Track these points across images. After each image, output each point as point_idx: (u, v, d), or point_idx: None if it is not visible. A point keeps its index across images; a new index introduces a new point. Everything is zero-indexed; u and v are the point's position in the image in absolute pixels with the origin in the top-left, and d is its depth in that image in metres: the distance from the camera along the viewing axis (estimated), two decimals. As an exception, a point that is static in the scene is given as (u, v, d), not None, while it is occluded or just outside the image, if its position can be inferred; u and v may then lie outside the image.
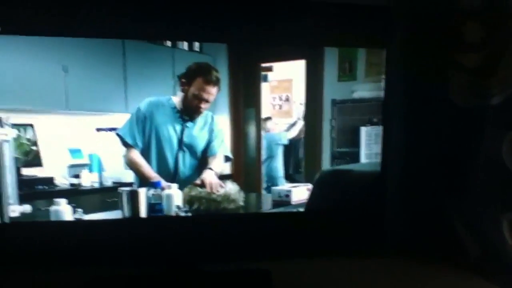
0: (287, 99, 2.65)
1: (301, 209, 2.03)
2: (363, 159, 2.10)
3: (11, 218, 1.69)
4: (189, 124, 2.08)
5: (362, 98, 2.10)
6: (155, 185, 1.90)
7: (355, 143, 2.11)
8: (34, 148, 1.96)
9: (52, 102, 2.03)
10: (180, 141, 2.07)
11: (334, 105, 2.21)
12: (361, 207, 2.00)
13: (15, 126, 1.68)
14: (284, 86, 2.63)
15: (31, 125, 1.93)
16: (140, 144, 2.02)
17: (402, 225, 2.27)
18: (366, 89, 2.09)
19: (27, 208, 1.72)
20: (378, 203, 1.98)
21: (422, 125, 2.26)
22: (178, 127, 2.06)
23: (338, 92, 2.22)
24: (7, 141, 1.65)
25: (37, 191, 1.92)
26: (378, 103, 1.98)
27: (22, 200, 1.72)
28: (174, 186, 1.93)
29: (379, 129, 1.99)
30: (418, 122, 2.28)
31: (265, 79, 2.56)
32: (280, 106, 2.67)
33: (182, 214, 1.91)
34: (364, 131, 2.09)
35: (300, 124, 2.57)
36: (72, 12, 1.62)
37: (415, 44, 2.23)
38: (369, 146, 2.08)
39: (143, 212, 1.87)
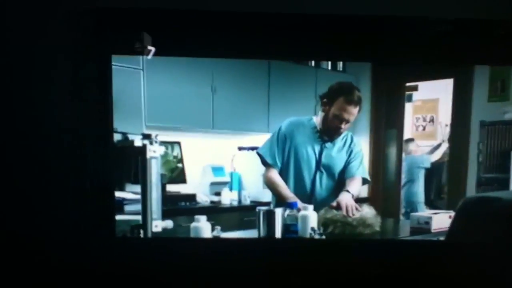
0: (432, 120, 2.53)
1: (442, 238, 1.90)
2: (514, 186, 1.93)
3: (153, 232, 1.75)
4: (328, 144, 2.03)
5: (515, 119, 1.94)
6: (291, 205, 1.87)
7: (505, 168, 1.95)
8: (179, 165, 2.04)
9: (200, 121, 2.12)
10: (318, 162, 2.03)
11: (482, 127, 2.07)
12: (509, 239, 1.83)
13: (163, 143, 1.74)
14: (429, 107, 2.51)
15: (178, 143, 2.01)
16: (279, 163, 2.01)
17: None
18: (520, 110, 1.93)
19: (169, 223, 1.77)
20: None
21: None
22: (317, 148, 2.03)
23: (487, 113, 2.07)
24: (155, 157, 1.71)
25: (179, 207, 2.00)
26: (533, 125, 1.81)
27: (165, 215, 1.78)
28: (310, 207, 1.86)
29: (532, 154, 1.82)
30: None
31: (409, 99, 2.47)
32: (424, 127, 2.56)
33: (317, 236, 1.86)
34: (515, 155, 1.93)
35: (445, 146, 2.44)
36: (223, 35, 1.66)
37: None
38: (521, 172, 1.91)
39: (278, 233, 1.86)
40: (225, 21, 1.64)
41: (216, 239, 1.80)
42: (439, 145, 2.52)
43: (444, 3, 1.72)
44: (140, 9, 1.59)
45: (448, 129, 2.32)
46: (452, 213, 1.88)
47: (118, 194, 1.73)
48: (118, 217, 1.72)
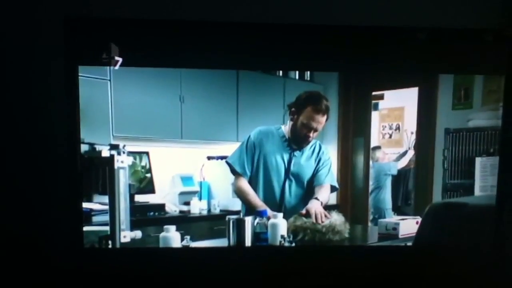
0: (398, 128, 2.57)
1: (409, 244, 1.93)
2: (478, 191, 1.97)
3: (122, 243, 1.74)
4: (297, 153, 2.05)
5: (478, 127, 1.98)
6: (261, 213, 1.88)
7: (470, 174, 1.99)
8: (148, 175, 2.03)
9: (168, 131, 2.13)
10: (288, 170, 2.05)
11: (447, 134, 2.11)
12: (475, 243, 1.87)
13: (131, 153, 1.73)
14: (395, 115, 2.55)
15: (147, 153, 2.01)
16: (248, 172, 2.03)
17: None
18: (482, 118, 1.97)
19: (138, 234, 1.76)
20: (495, 239, 1.84)
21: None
22: (286, 156, 2.05)
23: (452, 120, 2.12)
24: (123, 168, 1.71)
25: (148, 217, 2.01)
26: (495, 132, 1.85)
27: (133, 226, 1.76)
28: (280, 215, 1.89)
29: (495, 160, 1.85)
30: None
31: (376, 107, 2.51)
32: (390, 135, 2.59)
33: (287, 244, 1.88)
34: (479, 162, 1.97)
35: (411, 154, 2.48)
36: (191, 45, 1.67)
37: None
38: (485, 178, 1.95)
39: (248, 241, 1.86)
40: (193, 31, 1.65)
41: (185, 249, 1.80)
42: (405, 152, 2.55)
43: (410, 13, 1.76)
44: (107, 19, 1.59)
45: (413, 137, 2.35)
46: (418, 219, 1.93)
47: (85, 205, 1.71)
48: (86, 228, 1.70)
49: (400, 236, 2.00)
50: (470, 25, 1.74)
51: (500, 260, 1.86)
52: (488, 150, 1.94)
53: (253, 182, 2.03)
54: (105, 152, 1.66)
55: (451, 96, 2.11)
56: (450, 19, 1.76)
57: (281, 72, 2.21)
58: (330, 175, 2.10)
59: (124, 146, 1.68)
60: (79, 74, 1.59)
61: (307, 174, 2.07)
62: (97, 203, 1.75)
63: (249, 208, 2.00)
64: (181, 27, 1.63)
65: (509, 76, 1.80)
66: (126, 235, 1.73)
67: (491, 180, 1.90)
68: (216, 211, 2.22)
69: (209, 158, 2.17)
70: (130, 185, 1.75)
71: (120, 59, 1.59)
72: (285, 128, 2.05)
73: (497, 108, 1.84)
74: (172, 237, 1.78)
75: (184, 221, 2.07)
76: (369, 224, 2.42)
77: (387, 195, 2.56)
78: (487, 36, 1.76)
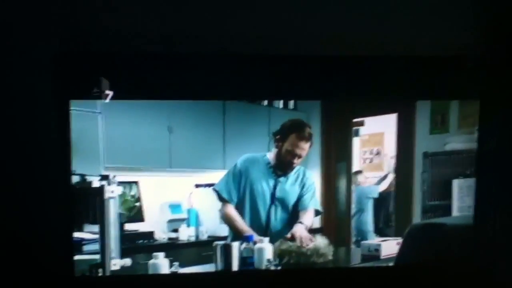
0: (378, 153, 2.63)
1: (391, 264, 1.97)
2: (456, 212, 2.03)
3: (112, 271, 1.76)
4: (281, 179, 2.10)
5: (455, 150, 2.05)
6: (247, 239, 1.92)
7: (447, 196, 2.05)
8: (137, 204, 2.05)
9: (157, 160, 2.16)
10: (273, 196, 2.09)
11: (425, 157, 2.18)
12: (454, 262, 1.92)
13: (121, 183, 1.76)
14: (375, 140, 2.61)
15: (136, 183, 2.03)
16: (235, 199, 2.06)
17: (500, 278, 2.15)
18: (459, 141, 2.04)
19: (127, 261, 1.78)
20: (473, 257, 1.90)
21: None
22: (271, 182, 2.09)
23: (430, 144, 2.18)
24: (113, 198, 1.74)
25: (137, 245, 2.03)
26: (471, 155, 1.92)
27: (123, 254, 1.78)
28: (266, 240, 1.93)
29: (472, 182, 1.92)
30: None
31: (357, 133, 2.57)
32: (371, 160, 2.65)
33: (273, 267, 1.91)
34: (456, 183, 2.03)
35: (391, 177, 2.53)
36: (178, 77, 1.72)
37: (509, 94, 2.15)
38: (462, 199, 2.02)
39: (235, 265, 1.89)
40: (180, 64, 1.69)
41: (173, 275, 1.82)
42: (385, 176, 2.60)
43: (388, 43, 1.82)
44: (97, 54, 1.62)
45: (393, 161, 2.41)
46: (399, 240, 1.97)
47: (77, 234, 1.73)
48: (77, 257, 1.72)
49: (382, 257, 2.05)
50: (445, 52, 1.81)
51: (479, 277, 1.92)
52: (465, 172, 1.99)
53: (239, 208, 2.07)
54: (96, 183, 1.69)
55: (428, 121, 2.18)
56: (425, 47, 1.82)
57: (266, 101, 2.27)
58: (314, 199, 2.15)
59: (114, 176, 1.72)
60: (70, 108, 1.63)
61: (292, 199, 2.12)
62: (88, 233, 1.78)
63: (236, 234, 2.04)
64: (169, 60, 1.69)
65: (484, 101, 1.87)
66: (116, 263, 1.75)
67: (468, 201, 1.95)
68: (204, 237, 2.25)
69: (197, 186, 2.21)
70: (120, 214, 1.78)
71: (111, 93, 1.63)
72: (270, 155, 2.10)
73: (472, 131, 1.90)
74: (161, 264, 1.81)
75: (172, 248, 2.09)
76: (352, 246, 2.46)
77: (369, 218, 2.61)
78: (462, 62, 1.82)
